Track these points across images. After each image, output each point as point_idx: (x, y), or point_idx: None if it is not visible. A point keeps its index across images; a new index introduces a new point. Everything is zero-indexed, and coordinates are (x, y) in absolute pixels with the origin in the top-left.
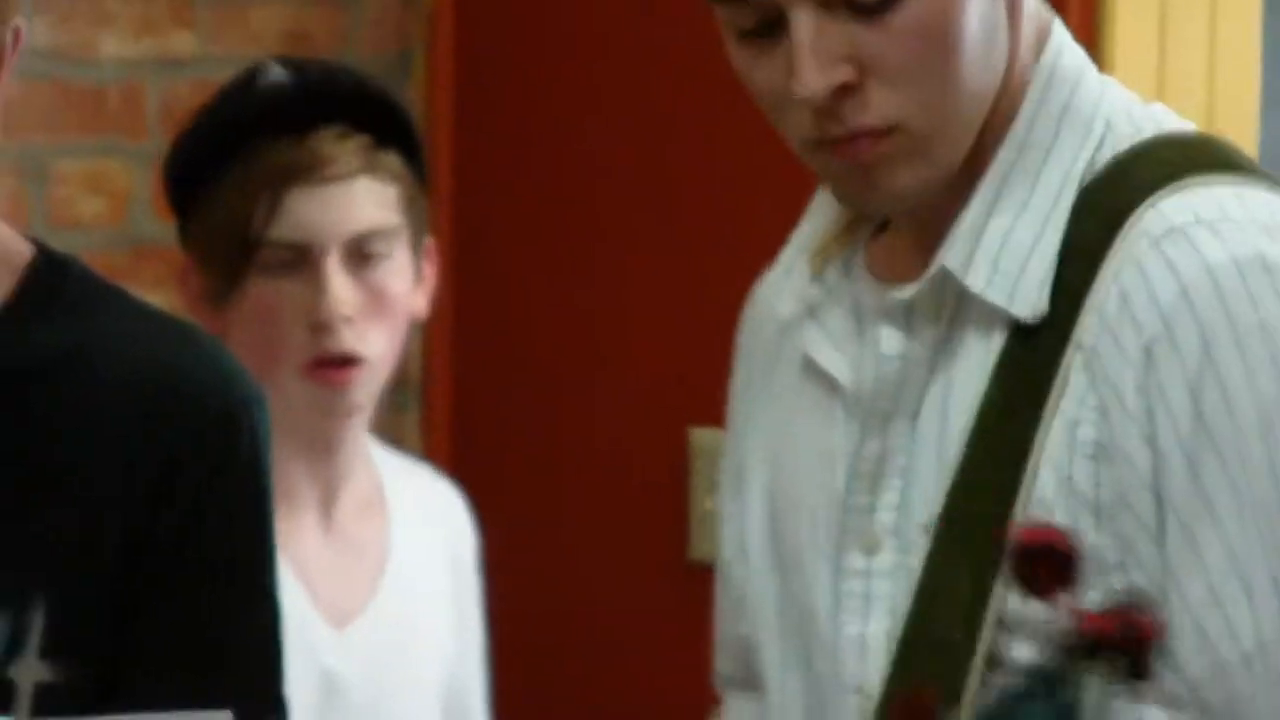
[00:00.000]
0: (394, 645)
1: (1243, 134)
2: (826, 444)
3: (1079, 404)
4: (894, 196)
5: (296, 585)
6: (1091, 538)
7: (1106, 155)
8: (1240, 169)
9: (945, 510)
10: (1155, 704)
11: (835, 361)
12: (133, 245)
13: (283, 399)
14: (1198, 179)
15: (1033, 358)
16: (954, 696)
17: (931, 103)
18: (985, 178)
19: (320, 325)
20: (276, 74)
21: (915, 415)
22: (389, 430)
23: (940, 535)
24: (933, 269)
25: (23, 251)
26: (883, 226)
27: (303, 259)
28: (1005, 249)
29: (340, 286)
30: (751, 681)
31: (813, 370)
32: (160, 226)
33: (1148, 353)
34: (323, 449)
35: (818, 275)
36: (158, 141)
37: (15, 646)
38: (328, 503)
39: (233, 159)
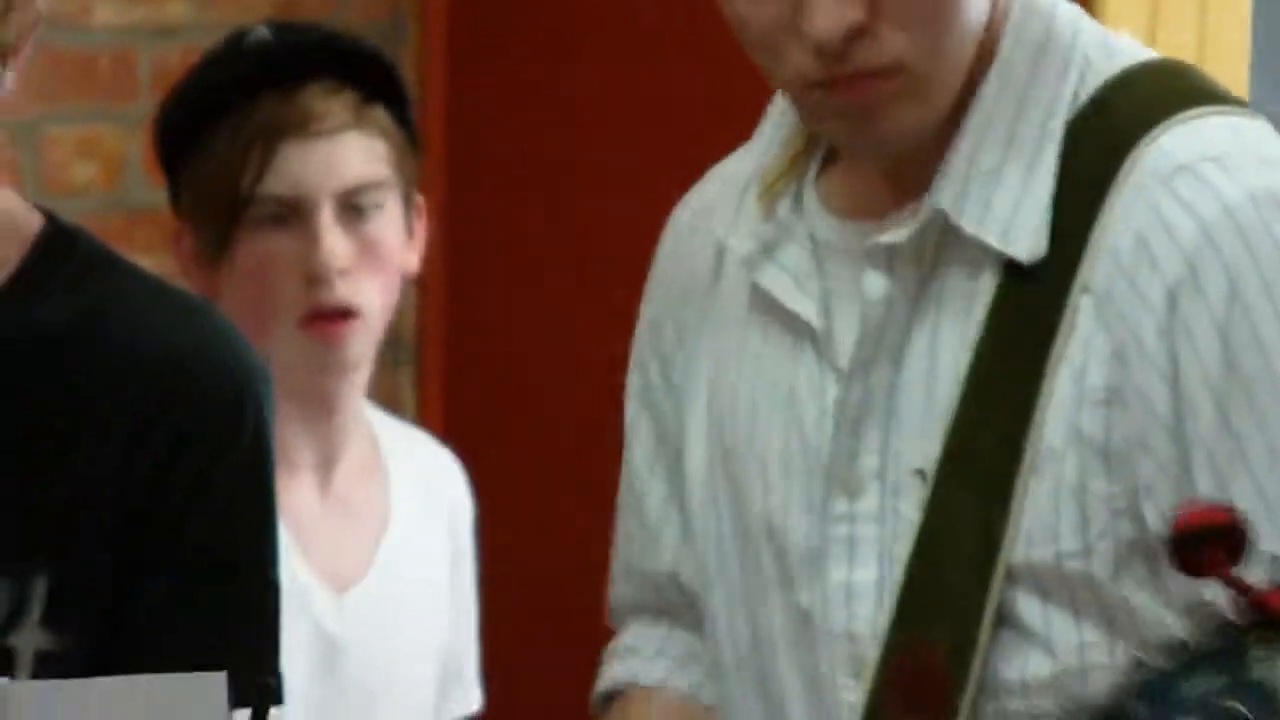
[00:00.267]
0: (392, 612)
1: (1234, 71)
2: (792, 385)
3: (1086, 348)
4: (892, 137)
5: (295, 550)
6: (1101, 484)
7: (1089, 88)
8: (1220, 98)
9: (944, 455)
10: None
11: (802, 303)
12: (126, 210)
13: (279, 357)
14: (1190, 112)
15: (1033, 300)
16: (962, 648)
17: (934, 43)
18: (969, 114)
19: (315, 277)
20: (262, 33)
21: (897, 358)
22: (384, 388)
23: (940, 481)
24: (924, 210)
25: (32, 221)
26: (828, 159)
27: (294, 213)
28: (997, 188)
29: (333, 238)
30: (667, 610)
31: (773, 309)
32: (153, 192)
33: (1171, 295)
34: (321, 409)
35: (770, 212)
36: (150, 107)
37: (17, 614)
38: (326, 466)
39: (221, 117)
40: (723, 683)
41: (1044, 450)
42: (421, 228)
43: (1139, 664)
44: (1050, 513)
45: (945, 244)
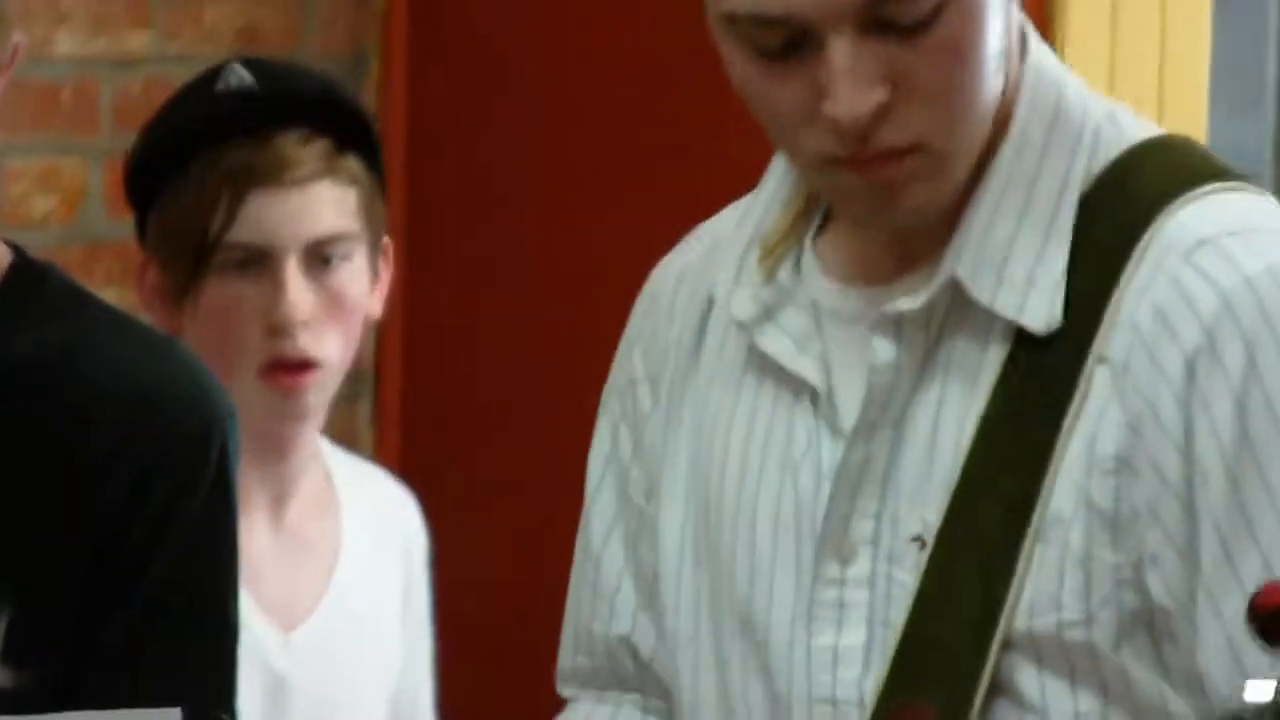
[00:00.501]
0: (342, 648)
1: (1192, 129)
2: (787, 446)
3: (1099, 418)
4: (912, 213)
5: (245, 588)
6: (1107, 554)
7: (1100, 161)
8: (1231, 175)
9: (946, 521)
10: (1180, 694)
11: (804, 365)
12: (86, 243)
13: (236, 401)
14: (1207, 188)
15: (1045, 369)
16: (955, 715)
17: (954, 119)
18: (984, 184)
19: (277, 328)
20: (239, 75)
21: (899, 424)
22: (341, 422)
23: (940, 547)
24: (938, 278)
25: (2, 256)
26: (827, 219)
27: (261, 261)
28: (1011, 259)
29: (298, 290)
30: (618, 680)
31: (769, 370)
32: (113, 224)
33: (1189, 365)
34: (275, 452)
35: (771, 276)
36: (111, 139)
37: None
38: (279, 505)
39: (194, 159)
40: None
41: (1051, 518)
42: (387, 272)
43: None
44: (1054, 581)
45: (954, 312)
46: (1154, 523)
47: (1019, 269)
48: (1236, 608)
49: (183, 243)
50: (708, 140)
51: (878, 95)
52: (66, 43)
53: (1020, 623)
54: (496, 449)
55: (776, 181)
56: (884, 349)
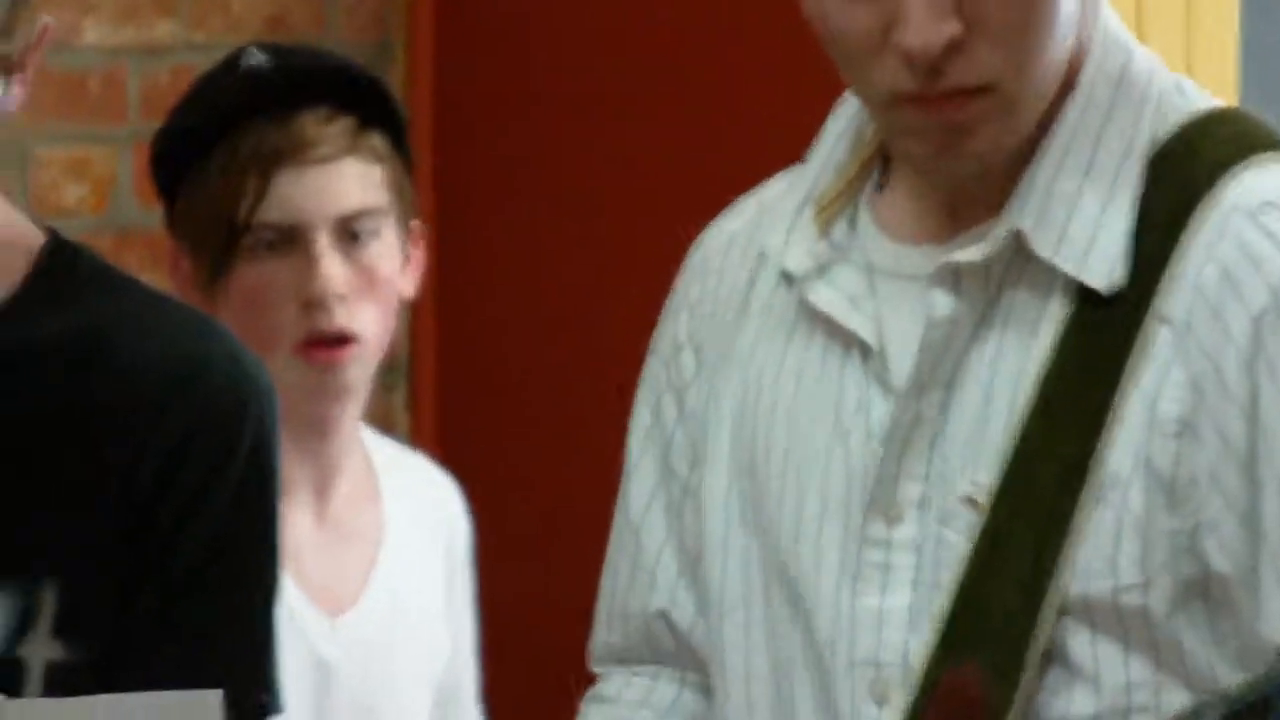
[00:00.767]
0: (387, 634)
1: (1221, 80)
2: (837, 403)
3: (1161, 378)
4: (977, 156)
5: (290, 574)
6: (1164, 518)
7: (1166, 126)
8: None
9: (1002, 482)
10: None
11: (858, 321)
12: (115, 231)
13: (276, 382)
14: (1270, 154)
15: (1106, 328)
16: (1005, 680)
17: (1026, 63)
18: (1049, 140)
19: (313, 303)
20: (258, 57)
21: (951, 381)
22: (377, 410)
23: (996, 509)
24: (1000, 230)
25: (36, 237)
26: (882, 182)
27: (291, 240)
28: (1074, 215)
29: (331, 264)
30: (654, 655)
31: (819, 327)
32: (143, 212)
33: (1255, 327)
34: (317, 434)
35: (825, 233)
36: (139, 128)
37: (26, 625)
38: (322, 490)
39: (218, 143)
40: (733, 715)
41: (1108, 479)
42: (418, 253)
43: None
44: (1110, 544)
45: (1013, 267)
46: (1215, 488)
47: (1082, 226)
48: None
49: (211, 227)
50: (738, 124)
51: (951, 27)
52: (94, 32)
53: (1075, 586)
54: (532, 435)
55: (830, 145)
56: (942, 302)
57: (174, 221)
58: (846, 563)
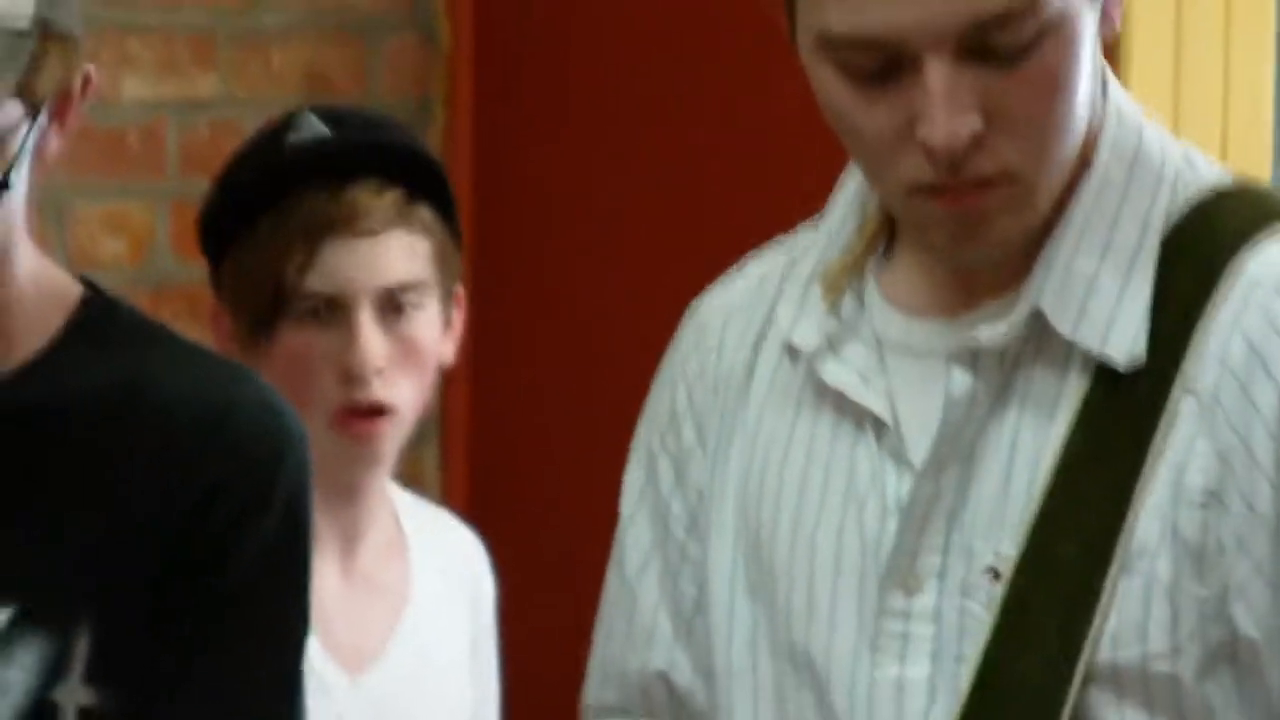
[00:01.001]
0: (409, 693)
1: (1257, 167)
2: (850, 478)
3: (1187, 450)
4: (995, 245)
5: (313, 630)
6: (1193, 586)
7: (1180, 203)
8: None
9: (1025, 553)
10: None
11: (871, 398)
12: (153, 286)
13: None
14: None
15: (1129, 402)
16: None
17: (1045, 151)
18: (1066, 219)
19: (351, 375)
20: (314, 124)
21: (969, 456)
22: (408, 466)
23: (1020, 577)
24: (1021, 310)
25: (72, 289)
26: (889, 253)
27: (335, 309)
28: (1093, 294)
29: (371, 337)
30: (650, 714)
31: (829, 403)
32: (180, 267)
33: None
34: (346, 497)
35: (833, 307)
36: (178, 182)
37: (60, 669)
38: (349, 548)
39: (268, 209)
40: None
41: (1136, 549)
42: (459, 318)
43: None
44: (1140, 612)
45: (1030, 345)
46: (1242, 554)
47: (1101, 304)
48: None
49: (257, 292)
50: (775, 175)
51: (973, 122)
52: (133, 86)
53: (1104, 655)
54: (563, 494)
55: (839, 218)
56: (961, 380)
57: (219, 282)
58: (864, 632)
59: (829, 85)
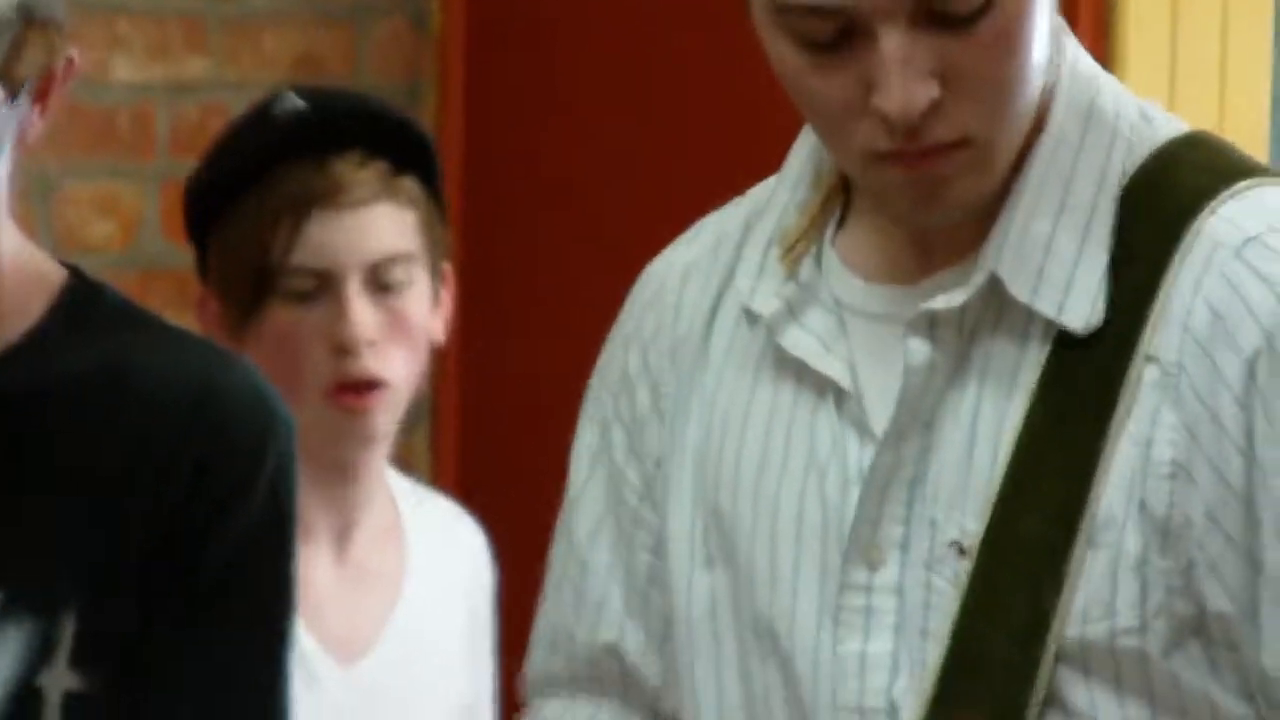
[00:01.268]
0: (404, 682)
1: (1253, 138)
2: (811, 447)
3: (1152, 421)
4: (954, 208)
5: (305, 620)
6: (1159, 559)
7: (1135, 159)
8: (1264, 170)
9: (990, 528)
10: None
11: (832, 365)
12: (141, 268)
13: (304, 427)
14: (1244, 184)
15: (1090, 369)
16: None
17: (1000, 113)
18: (1021, 181)
19: (342, 348)
20: (293, 101)
21: (930, 425)
22: (398, 448)
23: (986, 553)
24: (978, 276)
25: (56, 273)
26: (845, 218)
27: (323, 285)
28: (1049, 257)
29: (361, 310)
30: (597, 686)
31: (789, 370)
32: (169, 249)
33: (1249, 367)
34: (341, 478)
35: (792, 273)
36: (167, 164)
37: (45, 654)
38: (344, 534)
39: (251, 186)
40: None
41: (1101, 522)
42: (448, 295)
43: None
44: (1107, 586)
45: (989, 310)
46: (1213, 527)
47: (1058, 268)
48: None
49: (244, 270)
50: (765, 157)
51: (930, 90)
52: (123, 68)
53: (1071, 630)
54: (554, 475)
55: (793, 181)
56: (919, 349)
57: (205, 265)
58: (825, 606)
59: (784, 54)
